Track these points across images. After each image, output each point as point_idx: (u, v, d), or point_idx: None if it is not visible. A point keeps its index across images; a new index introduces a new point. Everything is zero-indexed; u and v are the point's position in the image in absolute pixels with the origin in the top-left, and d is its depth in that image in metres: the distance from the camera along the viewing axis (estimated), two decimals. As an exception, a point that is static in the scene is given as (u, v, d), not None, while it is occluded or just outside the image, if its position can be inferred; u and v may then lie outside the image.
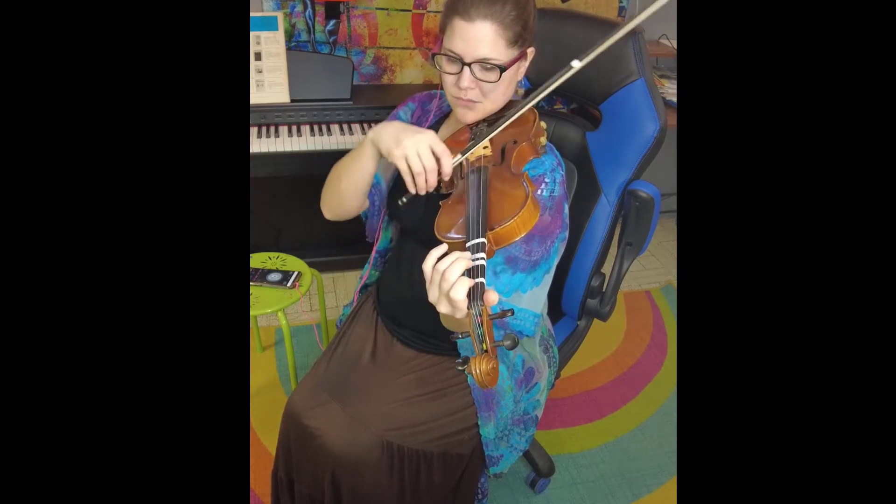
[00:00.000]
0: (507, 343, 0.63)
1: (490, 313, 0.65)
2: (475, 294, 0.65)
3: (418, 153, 0.82)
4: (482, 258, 0.68)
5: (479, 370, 0.61)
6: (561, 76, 0.83)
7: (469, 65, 0.87)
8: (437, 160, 0.83)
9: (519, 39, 0.87)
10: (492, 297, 0.65)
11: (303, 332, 1.99)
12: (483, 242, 0.70)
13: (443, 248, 0.70)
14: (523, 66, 0.94)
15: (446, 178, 0.85)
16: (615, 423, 1.71)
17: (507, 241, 0.76)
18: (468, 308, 0.65)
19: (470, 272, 0.67)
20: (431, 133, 0.84)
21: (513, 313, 0.65)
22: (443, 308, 0.68)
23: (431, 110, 1.09)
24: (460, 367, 0.63)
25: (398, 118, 1.10)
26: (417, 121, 1.10)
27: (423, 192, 0.85)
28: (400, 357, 1.07)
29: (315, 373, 1.08)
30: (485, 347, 0.62)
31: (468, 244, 0.70)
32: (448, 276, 0.66)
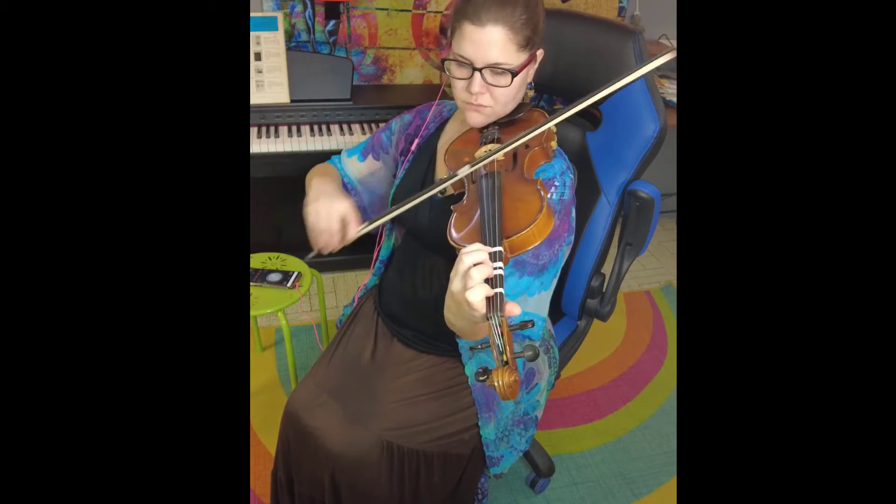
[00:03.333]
0: (529, 354, 0.63)
1: (510, 324, 0.64)
2: (495, 304, 0.64)
3: (328, 215, 0.90)
4: (500, 267, 0.68)
5: (502, 382, 0.60)
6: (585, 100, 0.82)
7: (480, 70, 0.86)
8: (345, 228, 0.90)
9: (529, 43, 0.87)
10: (514, 310, 0.65)
11: (303, 332, 1.99)
12: (500, 251, 0.69)
13: (479, 247, 0.69)
14: (533, 68, 0.93)
15: (347, 243, 0.91)
16: (615, 423, 1.71)
17: (523, 249, 0.75)
18: (487, 318, 0.64)
19: (489, 282, 0.67)
20: (347, 204, 0.91)
21: (533, 324, 0.65)
22: (456, 289, 0.68)
23: (428, 119, 1.09)
24: (481, 379, 0.62)
25: (389, 128, 1.14)
26: (414, 130, 1.10)
27: (324, 252, 0.92)
28: (400, 357, 1.07)
29: (315, 373, 1.08)
30: (505, 359, 0.62)
31: None
32: (473, 275, 0.66)
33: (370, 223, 0.91)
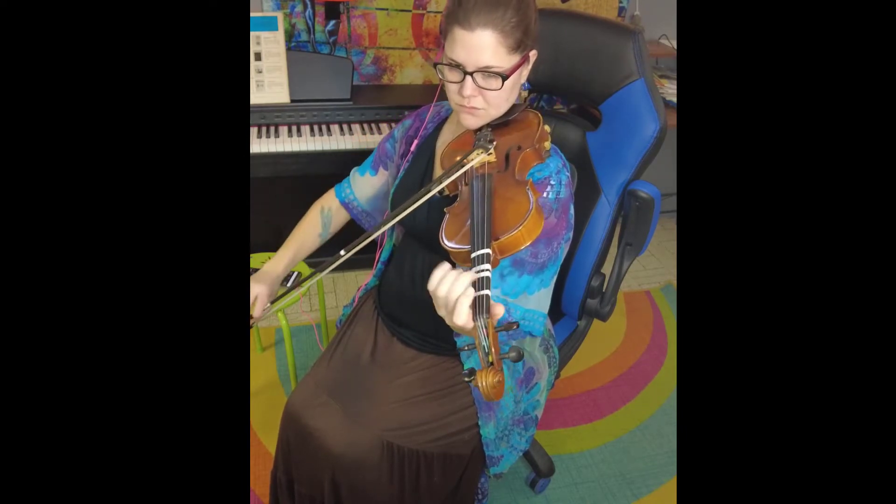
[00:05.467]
0: (513, 356, 0.63)
1: (496, 325, 0.64)
2: (480, 307, 0.64)
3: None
4: (487, 269, 0.68)
5: (485, 383, 0.60)
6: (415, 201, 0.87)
7: (471, 73, 0.87)
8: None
9: (520, 45, 0.87)
10: (497, 310, 0.65)
11: (303, 332, 2.00)
12: (488, 253, 0.69)
13: (445, 267, 0.70)
14: (526, 70, 0.93)
15: (256, 320, 1.06)
16: (615, 423, 1.71)
17: (513, 250, 0.75)
18: (473, 321, 0.65)
19: (474, 284, 0.67)
20: (264, 289, 1.06)
21: (517, 326, 0.65)
22: (450, 322, 0.70)
23: (426, 119, 1.09)
24: (466, 379, 0.63)
25: (392, 136, 1.16)
26: (414, 132, 1.10)
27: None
28: (400, 357, 1.07)
29: (315, 373, 1.08)
30: (490, 360, 0.62)
31: (473, 255, 0.70)
32: (451, 296, 0.67)
33: (273, 303, 1.07)
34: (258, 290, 1.06)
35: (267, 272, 1.10)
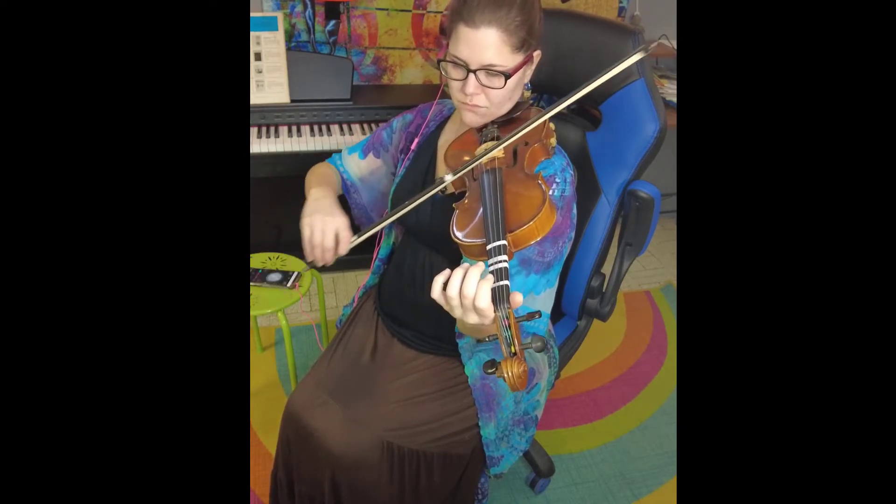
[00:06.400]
0: (537, 345, 0.63)
1: (516, 316, 0.64)
2: (500, 296, 0.64)
3: (322, 230, 0.91)
4: (504, 260, 0.68)
5: (511, 373, 0.60)
6: (581, 90, 0.82)
7: (474, 71, 0.87)
8: (338, 243, 0.92)
9: (524, 45, 0.87)
10: (517, 298, 0.65)
11: (303, 333, 2.00)
12: (504, 245, 0.70)
13: (445, 273, 0.70)
14: (530, 70, 0.94)
15: (339, 256, 0.94)
16: (615, 423, 1.71)
17: (526, 242, 0.75)
18: (494, 311, 0.65)
19: (495, 275, 0.67)
20: (343, 220, 0.92)
21: (539, 315, 0.65)
22: (471, 320, 0.68)
23: (428, 117, 1.09)
24: (490, 371, 0.62)
25: (391, 126, 1.15)
26: (415, 129, 1.10)
27: (318, 263, 0.93)
28: (400, 357, 1.07)
29: (315, 373, 1.08)
30: (513, 350, 0.62)
31: (489, 247, 0.70)
32: (466, 291, 0.66)
33: (361, 235, 0.91)
34: (338, 223, 0.92)
35: (325, 203, 0.96)
